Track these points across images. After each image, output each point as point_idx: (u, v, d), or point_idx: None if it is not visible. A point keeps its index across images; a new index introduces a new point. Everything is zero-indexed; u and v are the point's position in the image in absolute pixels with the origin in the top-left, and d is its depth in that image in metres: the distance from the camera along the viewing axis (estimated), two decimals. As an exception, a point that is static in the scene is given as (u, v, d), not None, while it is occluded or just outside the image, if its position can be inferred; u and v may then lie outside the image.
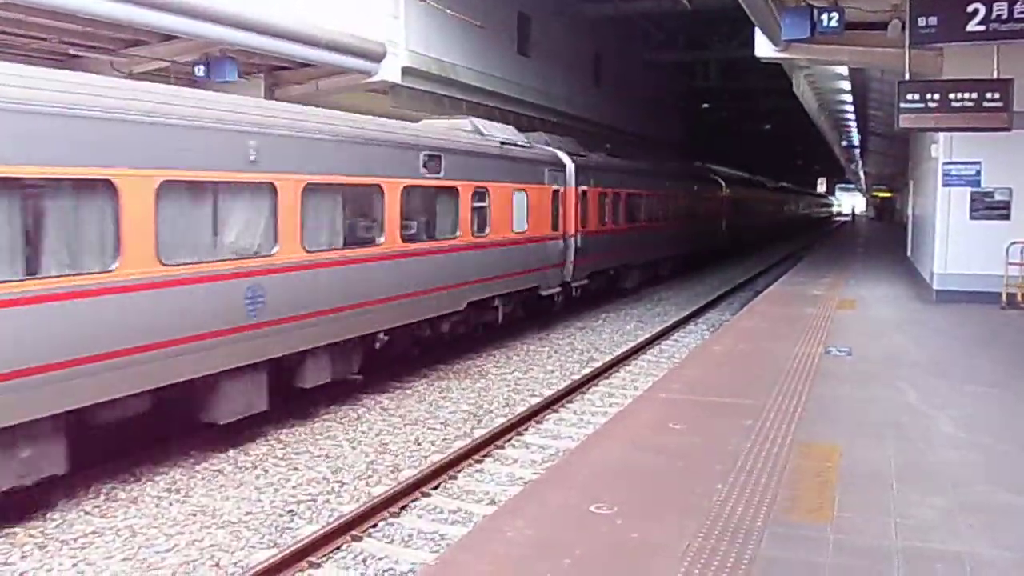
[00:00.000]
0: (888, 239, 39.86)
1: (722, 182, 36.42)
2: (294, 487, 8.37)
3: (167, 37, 15.43)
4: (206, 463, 9.04)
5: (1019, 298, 15.27)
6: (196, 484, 8.41)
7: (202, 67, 16.38)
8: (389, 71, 18.77)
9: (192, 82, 17.97)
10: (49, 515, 7.48)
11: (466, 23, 21.33)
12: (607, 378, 13.09)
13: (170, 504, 7.88)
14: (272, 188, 9.37)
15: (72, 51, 15.92)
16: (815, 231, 67.02)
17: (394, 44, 18.75)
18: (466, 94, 22.91)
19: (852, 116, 38.31)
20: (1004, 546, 5.10)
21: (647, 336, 16.47)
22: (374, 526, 7.35)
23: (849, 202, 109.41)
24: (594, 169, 19.92)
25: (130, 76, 17.29)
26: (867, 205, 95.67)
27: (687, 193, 29.43)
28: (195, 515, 7.61)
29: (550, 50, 27.69)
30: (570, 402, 11.64)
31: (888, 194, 72.17)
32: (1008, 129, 11.04)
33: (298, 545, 6.69)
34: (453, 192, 13.24)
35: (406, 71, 19.27)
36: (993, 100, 10.84)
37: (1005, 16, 9.31)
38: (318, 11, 17.00)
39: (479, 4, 22.22)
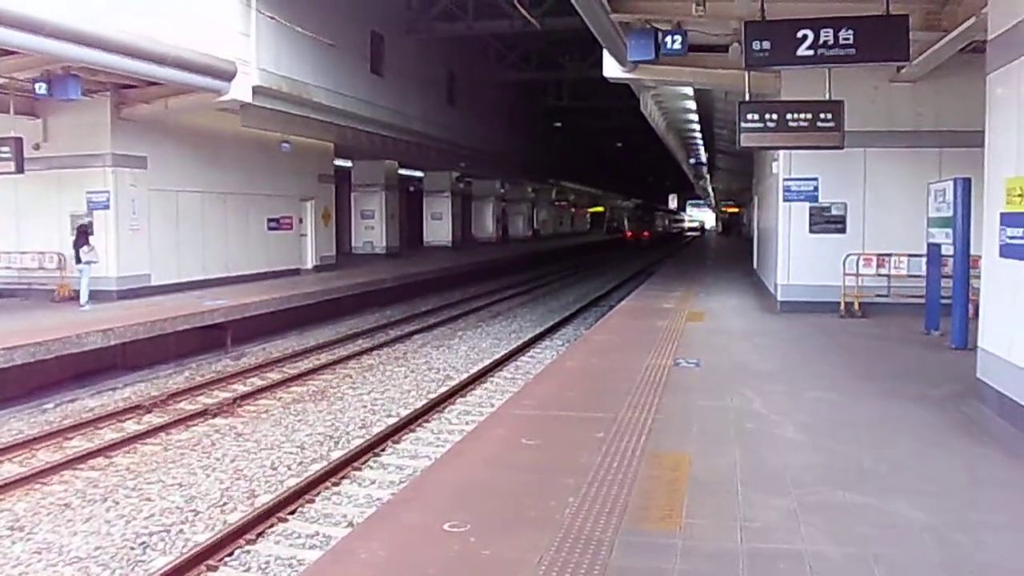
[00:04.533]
0: (735, 253, 41.21)
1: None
2: (146, 518, 8.09)
3: (5, 52, 14.69)
4: (52, 497, 8.67)
5: (855, 307, 16.03)
6: (41, 520, 8.05)
7: (43, 84, 15.69)
8: (240, 90, 18.41)
9: (33, 100, 17.26)
10: None
11: (318, 42, 21.14)
12: (464, 396, 13.09)
13: (13, 542, 7.52)
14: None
15: None
16: (667, 246, 68.76)
17: (245, 62, 18.41)
18: (319, 114, 22.70)
19: (699, 134, 39.50)
20: (841, 542, 5.32)
21: (503, 353, 16.58)
22: (230, 555, 7.16)
23: (699, 217, 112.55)
24: None
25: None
26: (716, 220, 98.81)
27: None
28: (40, 553, 7.28)
29: (403, 69, 27.73)
30: (427, 421, 11.59)
31: (736, 209, 74.66)
32: (840, 147, 11.53)
33: (149, 579, 6.47)
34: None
35: (257, 90, 18.96)
36: (826, 120, 11.30)
37: (831, 42, 9.72)
38: (166, 28, 16.49)
39: (331, 22, 22.10)
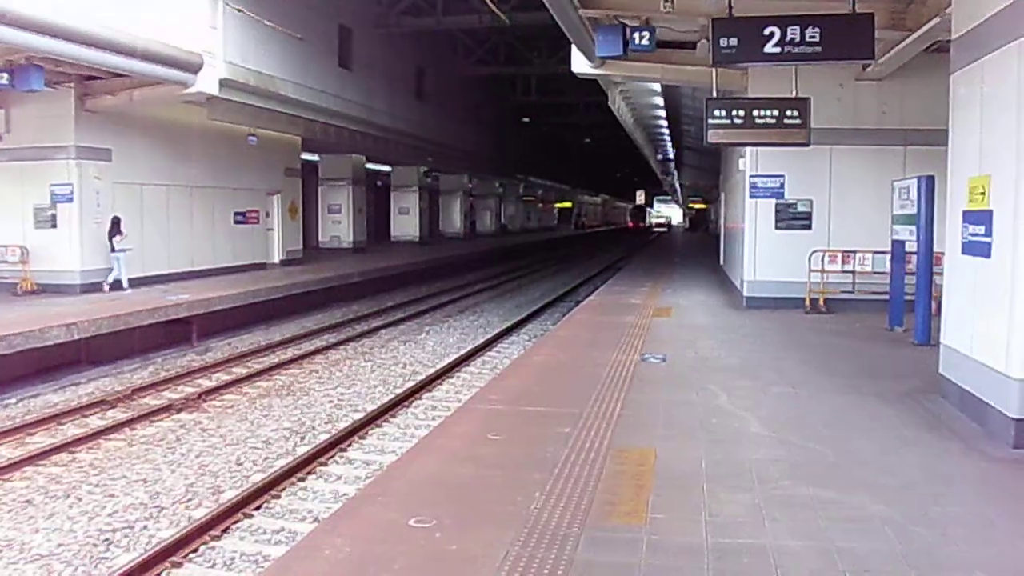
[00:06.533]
0: (702, 249, 41.40)
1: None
2: (110, 514, 8.00)
3: (-35, 42, 14.47)
4: (14, 493, 8.55)
5: (821, 303, 16.17)
6: (2, 517, 7.95)
7: (5, 75, 15.47)
8: (206, 83, 18.24)
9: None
10: None
11: (286, 35, 20.99)
12: (430, 391, 13.08)
13: (-28, 540, 7.40)
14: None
15: None
16: (635, 241, 68.93)
17: (212, 55, 18.24)
18: (286, 107, 22.54)
19: (666, 131, 39.68)
20: (805, 536, 5.37)
21: (470, 348, 16.56)
22: (195, 551, 7.12)
23: (666, 213, 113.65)
24: None
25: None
26: (684, 216, 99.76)
27: None
28: (1, 550, 7.18)
29: (372, 63, 27.63)
30: (394, 416, 11.57)
31: (703, 206, 74.93)
32: (807, 144, 11.62)
33: (113, 576, 6.40)
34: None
35: (224, 83, 18.79)
36: (793, 117, 11.39)
37: (798, 40, 9.80)
38: (133, 19, 16.30)
39: (299, 16, 21.97)
